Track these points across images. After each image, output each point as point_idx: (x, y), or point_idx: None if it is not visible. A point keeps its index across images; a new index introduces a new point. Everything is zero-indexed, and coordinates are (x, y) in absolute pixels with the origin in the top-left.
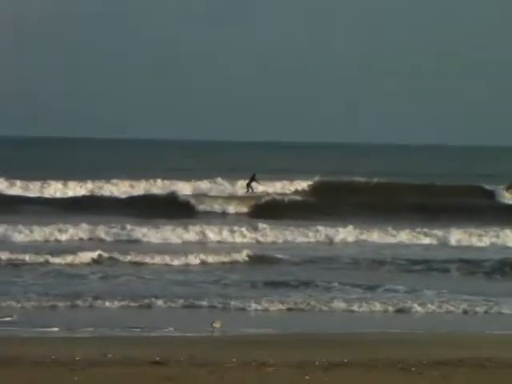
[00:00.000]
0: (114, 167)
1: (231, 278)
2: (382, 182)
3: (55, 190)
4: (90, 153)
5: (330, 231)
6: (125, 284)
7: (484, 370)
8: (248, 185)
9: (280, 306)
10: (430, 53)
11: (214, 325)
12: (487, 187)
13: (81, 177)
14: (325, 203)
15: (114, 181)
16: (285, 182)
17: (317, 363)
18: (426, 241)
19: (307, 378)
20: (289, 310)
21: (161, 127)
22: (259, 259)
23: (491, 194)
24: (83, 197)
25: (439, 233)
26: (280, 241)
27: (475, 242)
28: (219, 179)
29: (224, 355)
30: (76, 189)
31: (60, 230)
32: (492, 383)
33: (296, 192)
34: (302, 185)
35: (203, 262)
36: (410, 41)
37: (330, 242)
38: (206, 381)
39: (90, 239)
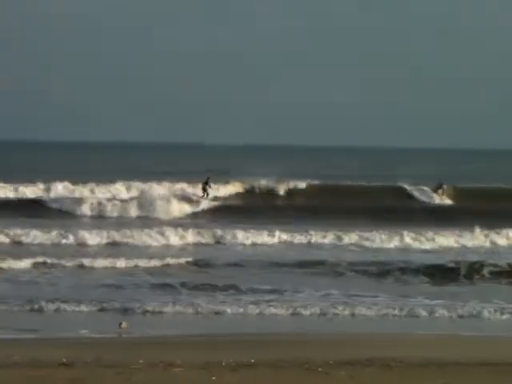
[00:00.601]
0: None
1: (145, 281)
2: (301, 185)
3: None
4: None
5: (256, 235)
6: (33, 286)
7: (390, 370)
8: (203, 188)
9: (188, 309)
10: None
11: (121, 326)
12: (408, 188)
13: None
14: (249, 207)
15: None
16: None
17: (223, 364)
18: (345, 242)
19: (214, 378)
20: (197, 312)
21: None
22: (179, 263)
23: (412, 195)
24: None
25: (358, 234)
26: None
27: (394, 243)
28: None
29: (131, 356)
30: None
31: None
32: (397, 382)
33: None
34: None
35: (117, 265)
36: None
37: (254, 244)
38: (113, 382)
39: None
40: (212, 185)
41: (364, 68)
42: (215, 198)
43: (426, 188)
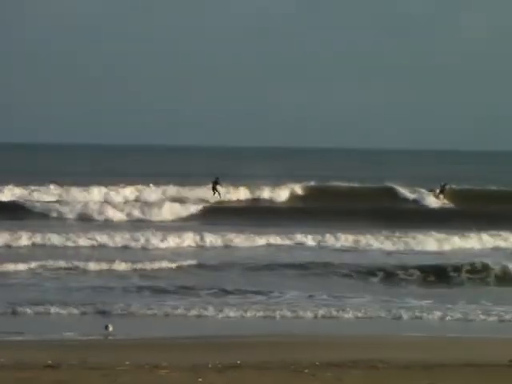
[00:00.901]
0: None
1: (134, 283)
2: (297, 187)
3: None
4: None
5: (247, 237)
6: (19, 288)
7: (377, 372)
8: (213, 189)
9: (175, 311)
10: None
11: (107, 329)
12: (402, 190)
13: None
14: (241, 209)
15: None
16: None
17: (210, 366)
18: (335, 244)
19: (200, 380)
20: (183, 314)
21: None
22: (169, 266)
23: (407, 197)
24: None
25: (350, 236)
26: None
27: (385, 245)
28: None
29: (117, 358)
30: None
31: None
32: (383, 383)
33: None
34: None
35: (105, 268)
36: None
37: (244, 246)
38: None
39: None
40: (220, 186)
41: (363, 68)
42: (206, 201)
43: (423, 190)
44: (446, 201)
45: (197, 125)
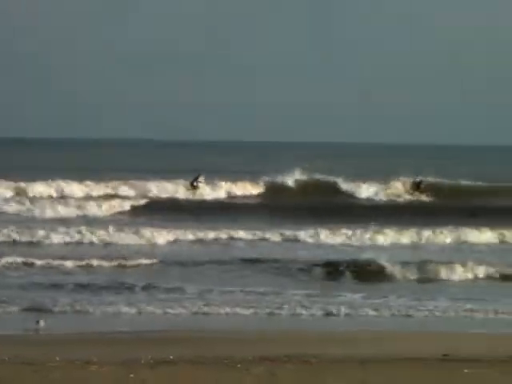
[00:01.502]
0: None
1: (67, 279)
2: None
3: None
4: None
5: (177, 233)
6: None
7: (310, 366)
8: (192, 184)
9: (108, 307)
10: None
11: (38, 324)
12: (342, 184)
13: None
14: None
15: None
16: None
17: (142, 361)
18: (277, 239)
19: (132, 376)
20: (117, 310)
21: None
22: (102, 263)
23: (345, 191)
24: None
25: (289, 231)
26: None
27: (325, 239)
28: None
29: (48, 354)
30: None
31: None
32: (316, 378)
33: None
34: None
35: (43, 264)
36: None
37: (175, 242)
38: (30, 380)
39: None
40: (201, 182)
41: (362, 68)
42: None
43: (375, 184)
44: (423, 196)
45: (196, 123)
